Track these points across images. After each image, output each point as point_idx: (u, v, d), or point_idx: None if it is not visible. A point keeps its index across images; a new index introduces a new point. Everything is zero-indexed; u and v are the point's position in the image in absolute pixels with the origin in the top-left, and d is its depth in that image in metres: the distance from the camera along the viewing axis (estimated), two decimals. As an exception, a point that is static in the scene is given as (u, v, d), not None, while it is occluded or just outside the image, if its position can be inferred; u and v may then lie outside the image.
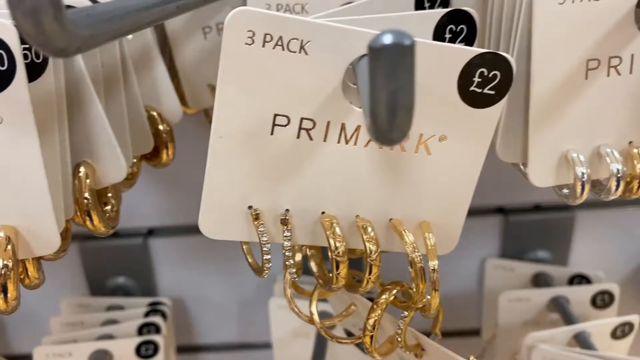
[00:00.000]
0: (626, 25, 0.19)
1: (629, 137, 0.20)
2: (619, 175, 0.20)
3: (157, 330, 0.40)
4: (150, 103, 0.26)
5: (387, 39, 0.11)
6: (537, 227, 0.44)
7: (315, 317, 0.22)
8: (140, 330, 0.40)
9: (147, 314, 0.41)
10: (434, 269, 0.19)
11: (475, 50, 0.17)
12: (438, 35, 0.20)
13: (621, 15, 0.19)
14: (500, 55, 0.17)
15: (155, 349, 0.39)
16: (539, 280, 0.43)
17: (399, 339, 0.20)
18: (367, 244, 0.18)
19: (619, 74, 0.20)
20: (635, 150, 0.20)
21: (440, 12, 0.20)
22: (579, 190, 0.20)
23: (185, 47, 0.29)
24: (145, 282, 0.44)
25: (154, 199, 0.41)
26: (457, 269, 0.45)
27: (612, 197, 0.20)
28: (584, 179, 0.19)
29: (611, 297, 0.41)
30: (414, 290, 0.19)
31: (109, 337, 0.38)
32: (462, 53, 0.17)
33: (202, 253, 0.44)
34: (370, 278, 0.18)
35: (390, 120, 0.12)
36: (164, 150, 0.26)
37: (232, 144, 0.17)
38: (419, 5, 0.22)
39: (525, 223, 0.43)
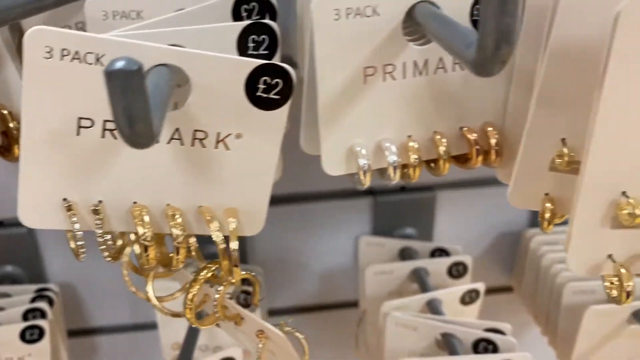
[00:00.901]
0: (396, 38, 0.22)
1: (408, 131, 0.24)
2: (394, 165, 0.23)
3: (43, 315, 0.42)
4: (0, 101, 0.28)
5: (118, 65, 0.14)
6: (403, 207, 0.48)
7: (150, 294, 0.25)
8: (26, 316, 0.42)
9: (32, 300, 0.43)
10: (234, 249, 0.22)
11: (256, 61, 0.20)
12: (242, 45, 0.23)
13: (391, 29, 0.22)
14: (279, 65, 0.20)
15: (41, 333, 0.41)
16: (405, 254, 0.47)
17: (215, 310, 0.24)
18: (173, 229, 0.21)
19: (393, 79, 0.23)
20: (411, 143, 0.24)
21: (241, 24, 0.23)
22: (362, 177, 0.23)
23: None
24: (33, 270, 0.45)
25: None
26: (334, 247, 0.49)
27: (393, 182, 0.24)
28: (365, 169, 0.23)
29: (465, 267, 0.45)
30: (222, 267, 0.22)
31: (-6, 324, 0.40)
32: (245, 64, 0.20)
33: (89, 239, 0.45)
34: (179, 258, 0.21)
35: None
36: (15, 146, 0.27)
37: (41, 144, 0.19)
38: (237, 16, 0.25)
39: (392, 203, 0.48)
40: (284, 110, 0.21)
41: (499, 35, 0.15)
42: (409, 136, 0.24)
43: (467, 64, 0.16)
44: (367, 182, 0.23)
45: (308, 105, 0.24)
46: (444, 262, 0.45)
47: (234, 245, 0.22)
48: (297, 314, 0.51)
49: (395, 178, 0.24)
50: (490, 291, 0.52)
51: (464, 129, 0.25)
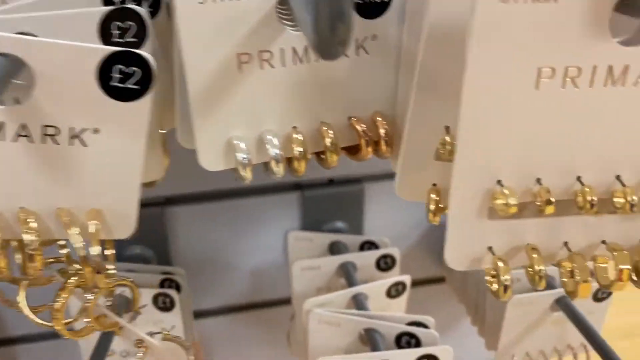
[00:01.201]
0: (271, 22, 0.21)
1: (292, 122, 0.23)
2: (277, 159, 0.22)
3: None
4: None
5: None
6: (331, 200, 0.47)
7: (22, 304, 0.23)
8: None
9: None
10: (96, 254, 0.20)
11: (106, 48, 0.18)
12: (105, 31, 0.21)
13: (264, 13, 0.21)
14: (134, 52, 0.19)
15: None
16: (335, 249, 0.46)
17: (87, 319, 0.22)
18: (25, 235, 0.19)
19: (272, 66, 0.22)
20: (295, 135, 0.22)
21: (101, 10, 0.21)
22: (242, 172, 0.22)
23: None
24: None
25: None
26: (263, 244, 0.48)
27: (278, 176, 0.22)
28: (244, 163, 0.21)
29: (393, 260, 0.45)
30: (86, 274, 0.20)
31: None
32: (94, 51, 0.18)
33: None
34: (35, 266, 0.20)
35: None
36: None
37: None
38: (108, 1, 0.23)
39: (320, 197, 0.46)
40: (146, 101, 0.19)
41: (331, 14, 0.13)
42: (294, 127, 0.23)
43: (311, 48, 0.15)
44: (248, 177, 0.22)
45: (181, 96, 0.22)
46: (372, 255, 0.44)
47: (95, 250, 0.20)
48: (228, 314, 0.50)
49: (279, 172, 0.22)
50: (423, 282, 0.51)
51: (353, 119, 0.24)
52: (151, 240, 0.45)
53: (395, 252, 0.44)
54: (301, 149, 0.22)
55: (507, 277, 0.18)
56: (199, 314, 0.49)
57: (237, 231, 0.47)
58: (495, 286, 0.18)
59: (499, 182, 0.18)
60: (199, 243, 0.46)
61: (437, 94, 0.20)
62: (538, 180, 0.18)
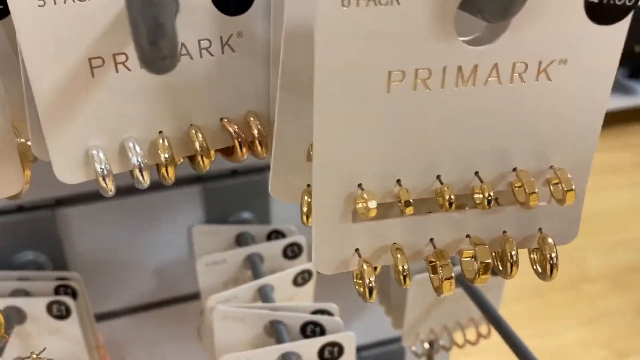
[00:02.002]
0: (124, 23, 0.20)
1: (158, 127, 0.22)
2: (140, 167, 0.21)
3: None
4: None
5: None
6: (235, 191, 0.46)
7: None
8: None
9: None
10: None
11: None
12: None
13: (114, 14, 0.19)
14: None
15: None
16: (241, 240, 0.45)
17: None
18: None
19: (128, 69, 0.20)
20: (161, 141, 0.21)
21: None
22: (102, 184, 0.20)
23: None
24: None
25: None
26: (167, 240, 0.46)
27: (144, 186, 0.21)
28: (103, 174, 0.20)
29: (299, 248, 0.45)
30: None
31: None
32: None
33: None
34: None
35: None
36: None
37: None
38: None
39: (223, 188, 0.45)
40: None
41: (149, 30, 0.12)
42: (160, 132, 0.22)
43: (139, 61, 0.14)
44: (110, 188, 0.21)
45: (29, 103, 0.20)
46: (278, 245, 0.44)
47: None
48: (135, 313, 0.48)
49: (145, 181, 0.21)
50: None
51: (224, 120, 0.23)
52: (44, 245, 0.43)
53: (301, 240, 0.44)
54: (167, 155, 0.21)
55: (371, 279, 0.18)
56: (105, 316, 0.47)
57: (138, 229, 0.45)
58: (360, 289, 0.18)
59: (359, 185, 0.18)
60: (97, 244, 0.44)
61: (301, 93, 0.20)
62: (399, 182, 0.18)
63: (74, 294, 0.40)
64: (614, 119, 2.04)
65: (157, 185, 0.44)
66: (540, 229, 0.20)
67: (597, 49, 0.18)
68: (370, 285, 0.18)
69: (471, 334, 0.46)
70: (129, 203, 0.44)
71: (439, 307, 0.43)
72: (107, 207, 0.44)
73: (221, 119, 0.23)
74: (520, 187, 0.19)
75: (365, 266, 0.18)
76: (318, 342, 0.36)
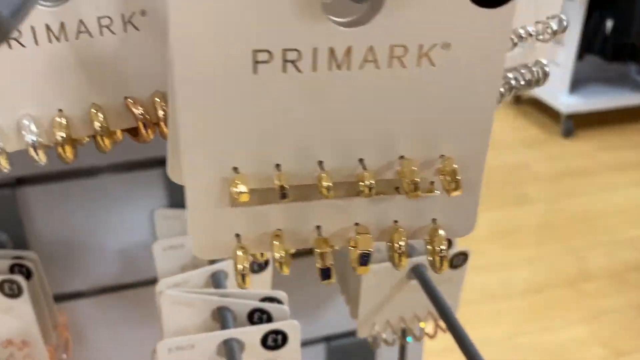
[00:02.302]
0: None
1: (58, 105, 0.21)
2: (34, 145, 0.21)
3: None
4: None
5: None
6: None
7: None
8: None
9: None
10: None
11: None
12: None
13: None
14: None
15: None
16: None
17: None
18: None
19: (23, 46, 0.20)
20: (58, 119, 0.21)
21: None
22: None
23: None
24: None
25: None
26: (130, 223, 0.46)
27: (41, 164, 0.21)
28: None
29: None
30: None
31: None
32: None
33: None
34: None
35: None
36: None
37: None
38: None
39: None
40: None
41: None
42: (60, 111, 0.22)
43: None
44: (5, 167, 0.20)
45: None
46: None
47: None
48: (97, 295, 0.48)
49: (41, 159, 0.21)
50: (301, 254, 0.51)
51: (129, 100, 0.22)
52: (4, 224, 0.43)
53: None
54: (63, 134, 0.21)
55: (244, 265, 0.18)
56: (68, 296, 0.47)
57: (101, 211, 0.45)
58: (239, 279, 0.18)
59: (235, 169, 0.18)
60: (58, 225, 0.45)
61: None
62: (277, 167, 0.18)
63: (28, 274, 0.40)
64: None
65: (119, 167, 0.44)
66: (434, 220, 0.20)
67: (483, 33, 0.17)
68: (243, 272, 0.18)
69: (430, 328, 0.45)
70: (91, 184, 0.44)
71: (396, 299, 0.42)
72: (69, 187, 0.44)
73: (125, 99, 0.22)
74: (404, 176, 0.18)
75: (239, 252, 0.18)
76: (262, 329, 0.36)
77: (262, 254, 0.18)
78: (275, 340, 0.36)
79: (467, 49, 0.17)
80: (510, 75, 0.29)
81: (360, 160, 0.18)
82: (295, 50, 0.16)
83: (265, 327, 0.36)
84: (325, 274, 0.18)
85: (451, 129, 0.18)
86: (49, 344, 0.43)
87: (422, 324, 0.45)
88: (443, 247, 0.19)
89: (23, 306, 0.39)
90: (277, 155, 0.18)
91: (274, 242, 0.18)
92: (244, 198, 0.17)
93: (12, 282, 0.39)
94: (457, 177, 0.18)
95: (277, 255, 0.18)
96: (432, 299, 0.39)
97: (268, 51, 0.16)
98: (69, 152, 0.21)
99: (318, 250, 0.18)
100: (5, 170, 0.21)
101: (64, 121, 0.21)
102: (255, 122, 0.17)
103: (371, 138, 0.18)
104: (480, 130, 0.18)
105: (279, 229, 0.19)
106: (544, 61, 0.32)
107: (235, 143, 0.17)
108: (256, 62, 0.16)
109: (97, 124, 0.22)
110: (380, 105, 0.17)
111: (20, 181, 0.42)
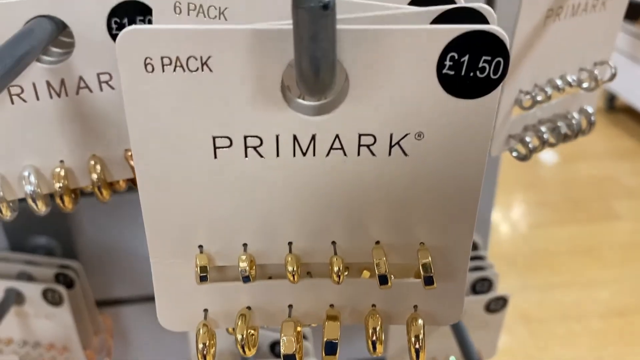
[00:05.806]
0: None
1: (59, 157, 0.22)
2: (32, 196, 0.21)
3: None
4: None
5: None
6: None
7: None
8: None
9: None
10: None
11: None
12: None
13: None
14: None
15: None
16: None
17: None
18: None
19: (24, 101, 0.21)
20: (57, 170, 0.22)
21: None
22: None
23: None
24: None
25: None
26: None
27: (40, 213, 0.22)
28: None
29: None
30: None
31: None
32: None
33: None
34: None
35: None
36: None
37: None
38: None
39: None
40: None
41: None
42: (61, 162, 0.22)
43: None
44: (5, 215, 0.21)
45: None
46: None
47: None
48: (141, 302, 0.50)
49: (40, 209, 0.22)
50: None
51: (128, 152, 0.23)
52: (55, 232, 0.46)
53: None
54: (61, 184, 0.22)
55: (210, 342, 0.17)
56: (113, 302, 0.50)
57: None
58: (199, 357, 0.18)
59: (200, 247, 0.17)
60: (105, 234, 0.47)
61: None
62: (245, 246, 0.17)
63: (71, 283, 0.42)
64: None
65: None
66: (415, 307, 0.18)
67: (462, 123, 0.15)
68: (205, 351, 0.17)
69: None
70: (136, 197, 0.46)
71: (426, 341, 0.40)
72: (115, 199, 0.45)
73: (126, 151, 0.23)
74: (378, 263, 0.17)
75: (202, 330, 0.18)
76: None
77: (233, 329, 0.18)
78: None
79: (444, 139, 0.16)
80: (543, 128, 0.27)
81: (333, 242, 0.17)
82: (257, 137, 0.15)
83: None
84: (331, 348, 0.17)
85: (428, 216, 0.17)
86: (89, 348, 0.45)
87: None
88: (421, 336, 0.18)
89: (64, 314, 0.41)
90: (243, 234, 0.17)
91: (238, 321, 0.18)
92: (204, 279, 0.17)
93: (54, 291, 0.41)
94: (429, 273, 0.17)
95: (238, 336, 0.17)
96: (462, 346, 0.37)
97: (228, 137, 0.15)
98: (67, 202, 0.22)
99: (281, 335, 0.17)
100: (7, 219, 0.22)
101: (62, 172, 0.22)
102: (218, 203, 0.17)
103: (342, 222, 0.17)
104: (463, 217, 0.17)
105: (248, 307, 0.18)
106: (590, 109, 0.30)
107: (198, 222, 0.17)
108: (216, 148, 0.16)
109: (94, 176, 0.22)
110: (350, 191, 0.16)
111: (72, 192, 0.45)
